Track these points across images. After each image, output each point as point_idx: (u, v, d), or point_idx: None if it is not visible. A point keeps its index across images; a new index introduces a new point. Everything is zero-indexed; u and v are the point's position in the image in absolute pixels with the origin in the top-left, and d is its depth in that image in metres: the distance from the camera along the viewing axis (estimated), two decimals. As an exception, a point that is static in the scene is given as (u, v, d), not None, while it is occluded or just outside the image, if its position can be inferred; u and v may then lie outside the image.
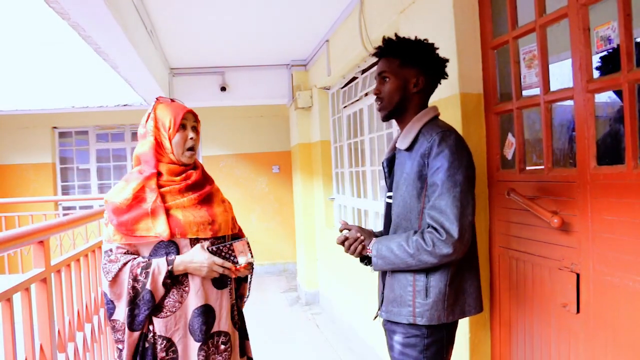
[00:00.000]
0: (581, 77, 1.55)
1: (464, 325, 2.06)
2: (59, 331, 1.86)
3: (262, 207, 7.09)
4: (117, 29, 2.65)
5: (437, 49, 1.64)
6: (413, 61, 1.59)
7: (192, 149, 1.68)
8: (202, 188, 1.70)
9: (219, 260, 1.60)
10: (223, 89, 5.33)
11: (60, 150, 7.11)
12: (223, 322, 1.68)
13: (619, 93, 1.60)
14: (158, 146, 1.64)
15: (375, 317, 1.74)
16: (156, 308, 1.58)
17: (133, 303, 1.54)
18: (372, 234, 1.65)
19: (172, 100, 1.72)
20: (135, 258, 1.57)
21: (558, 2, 1.63)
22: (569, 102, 1.64)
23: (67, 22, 2.51)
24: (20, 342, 1.55)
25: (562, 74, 1.76)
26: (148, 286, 1.53)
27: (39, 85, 6.45)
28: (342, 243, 1.66)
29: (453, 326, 1.61)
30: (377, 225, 3.68)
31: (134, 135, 7.21)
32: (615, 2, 1.42)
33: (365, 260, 1.72)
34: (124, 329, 1.56)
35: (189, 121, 1.68)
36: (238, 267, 1.63)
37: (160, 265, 1.54)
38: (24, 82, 6.51)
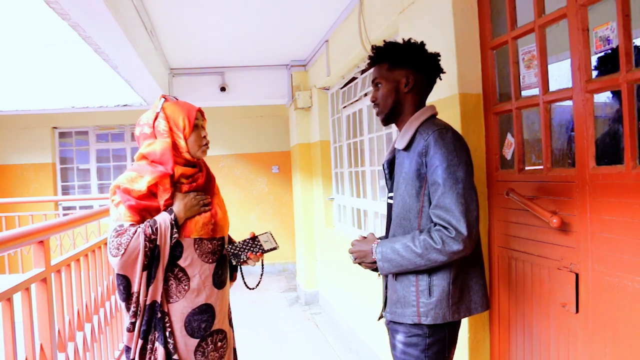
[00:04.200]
0: (580, 78, 1.55)
1: (463, 325, 2.06)
2: (59, 331, 1.86)
3: (261, 207, 7.09)
4: (117, 29, 2.66)
5: (425, 45, 1.64)
6: (401, 62, 1.60)
7: (206, 144, 1.73)
8: (206, 190, 1.75)
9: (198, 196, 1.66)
10: (223, 89, 5.34)
11: (60, 150, 7.11)
12: (221, 321, 1.72)
13: (616, 94, 1.60)
14: (173, 147, 1.64)
15: (380, 318, 1.74)
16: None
17: (150, 266, 1.56)
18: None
19: (176, 99, 1.73)
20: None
21: (557, 2, 1.64)
22: (568, 102, 1.65)
23: (67, 22, 2.51)
24: (21, 342, 1.55)
25: (561, 75, 1.76)
26: (158, 242, 1.55)
27: (39, 85, 6.45)
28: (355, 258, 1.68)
29: (455, 326, 1.60)
30: (377, 225, 3.69)
31: (134, 135, 7.19)
32: (614, 3, 1.42)
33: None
34: (139, 298, 1.55)
35: (199, 120, 1.72)
36: (260, 253, 1.73)
37: (164, 219, 1.57)
38: (24, 82, 6.51)
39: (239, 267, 1.81)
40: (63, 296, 1.96)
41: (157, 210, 1.61)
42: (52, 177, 6.90)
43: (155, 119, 1.65)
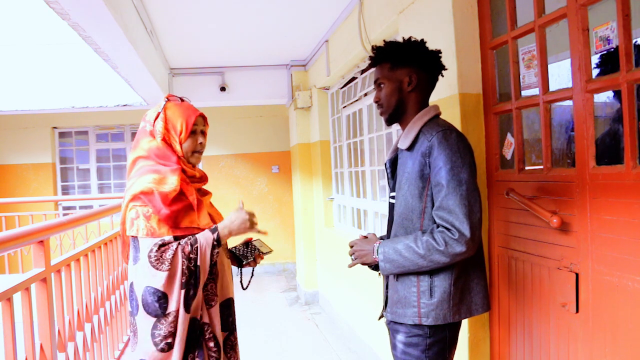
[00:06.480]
0: (580, 77, 1.55)
1: (463, 325, 2.06)
2: (59, 331, 1.86)
3: (261, 207, 7.09)
4: (117, 29, 2.66)
5: (426, 43, 1.63)
6: (403, 61, 1.60)
7: (199, 151, 1.72)
8: (207, 190, 1.81)
9: (251, 212, 1.64)
10: (223, 89, 5.34)
11: (60, 150, 7.11)
12: (236, 312, 1.78)
13: (616, 94, 1.60)
14: (167, 147, 1.63)
15: (380, 318, 1.74)
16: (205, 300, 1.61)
17: (188, 284, 1.50)
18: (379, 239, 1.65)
19: (182, 100, 1.71)
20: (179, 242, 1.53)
21: (557, 2, 1.64)
22: (568, 102, 1.65)
23: (67, 22, 2.51)
24: (21, 342, 1.55)
25: (561, 74, 1.76)
26: (198, 262, 1.52)
27: (39, 85, 6.44)
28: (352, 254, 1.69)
29: (456, 326, 1.60)
30: (377, 225, 3.69)
31: (134, 135, 7.18)
32: (614, 3, 1.42)
33: (374, 265, 1.66)
34: (177, 317, 1.49)
35: (199, 125, 1.70)
36: (262, 255, 1.82)
37: (206, 238, 1.54)
38: (24, 82, 6.51)
39: (240, 268, 1.84)
40: (63, 296, 1.96)
41: (191, 209, 1.58)
42: (52, 177, 6.90)
43: (156, 118, 1.65)
